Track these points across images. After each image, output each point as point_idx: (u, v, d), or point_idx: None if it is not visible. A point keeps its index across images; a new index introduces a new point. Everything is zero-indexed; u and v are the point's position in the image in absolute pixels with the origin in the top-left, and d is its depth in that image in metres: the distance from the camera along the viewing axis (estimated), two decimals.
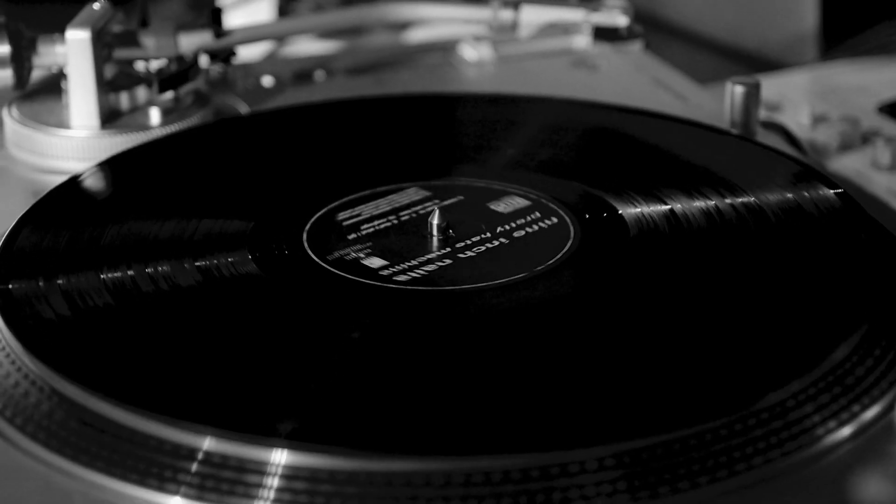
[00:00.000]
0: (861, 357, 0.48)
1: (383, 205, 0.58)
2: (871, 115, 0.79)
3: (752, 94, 0.66)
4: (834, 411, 0.46)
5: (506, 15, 0.76)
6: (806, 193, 0.57)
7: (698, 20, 0.96)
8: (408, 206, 0.58)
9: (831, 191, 0.57)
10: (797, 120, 0.78)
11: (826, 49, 0.90)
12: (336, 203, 0.58)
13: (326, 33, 0.87)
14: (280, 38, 0.80)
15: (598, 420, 0.44)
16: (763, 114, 0.76)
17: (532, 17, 0.76)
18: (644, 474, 0.42)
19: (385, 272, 0.53)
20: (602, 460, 0.42)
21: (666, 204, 0.57)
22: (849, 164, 0.73)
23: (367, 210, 0.58)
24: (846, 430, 0.45)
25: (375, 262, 0.54)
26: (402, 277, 0.52)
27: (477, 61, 0.79)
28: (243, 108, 0.72)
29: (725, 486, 0.43)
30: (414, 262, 0.54)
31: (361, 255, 0.54)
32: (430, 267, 0.53)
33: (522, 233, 0.56)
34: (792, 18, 0.90)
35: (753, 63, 0.90)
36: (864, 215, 0.55)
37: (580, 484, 0.42)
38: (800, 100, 0.80)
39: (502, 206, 0.58)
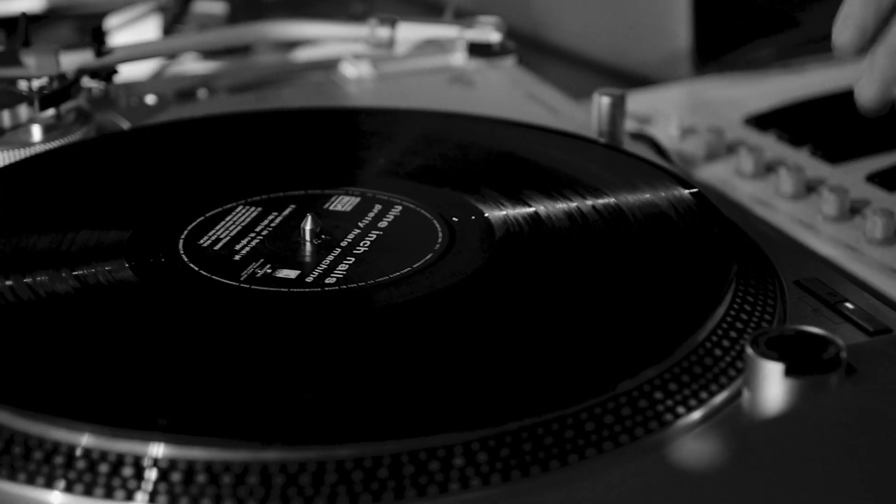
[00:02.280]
0: (711, 346, 0.51)
1: (231, 226, 0.59)
2: (738, 126, 0.82)
3: (618, 104, 0.69)
4: (685, 397, 0.48)
5: (383, 32, 0.78)
6: (663, 194, 0.59)
7: (579, 41, 0.99)
8: (261, 221, 0.60)
9: (686, 191, 0.59)
10: (667, 132, 0.81)
11: (700, 66, 0.93)
12: (196, 221, 0.60)
13: (212, 53, 0.89)
14: (161, 56, 0.82)
15: (462, 406, 0.46)
16: (634, 126, 0.79)
17: (408, 33, 0.78)
18: (507, 458, 0.44)
19: (309, 278, 0.55)
20: (468, 444, 0.45)
21: (530, 207, 0.59)
22: (714, 173, 0.76)
23: (222, 232, 0.59)
24: (696, 415, 0.48)
25: (290, 273, 0.55)
26: (329, 280, 0.54)
27: (357, 78, 0.81)
28: (125, 125, 0.73)
29: (578, 470, 0.45)
30: (324, 266, 0.55)
31: (268, 270, 0.55)
32: (343, 267, 0.55)
33: (382, 230, 0.58)
34: (666, 37, 0.93)
35: (632, 80, 0.93)
36: (717, 213, 0.58)
37: (447, 468, 0.44)
38: (670, 113, 0.83)
39: (340, 206, 0.60)
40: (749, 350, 0.48)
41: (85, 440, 0.45)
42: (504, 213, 0.59)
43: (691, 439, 0.30)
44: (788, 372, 0.47)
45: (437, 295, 0.53)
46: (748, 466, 0.30)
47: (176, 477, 0.44)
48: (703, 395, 0.49)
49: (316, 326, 0.51)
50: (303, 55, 0.88)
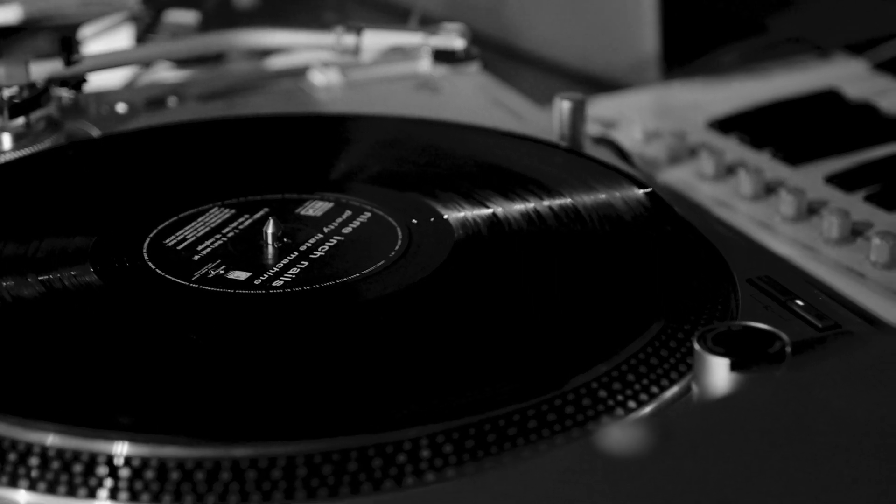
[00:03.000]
0: (663, 342, 0.52)
1: (200, 227, 0.61)
2: (702, 130, 0.83)
3: (578, 108, 0.70)
4: (635, 392, 0.50)
5: (349, 40, 0.79)
6: (618, 194, 0.61)
7: (550, 47, 1.00)
8: (234, 223, 0.61)
9: (640, 190, 0.61)
10: (631, 136, 0.82)
11: (667, 71, 0.95)
12: (168, 222, 0.61)
13: (185, 62, 0.90)
14: (131, 65, 0.83)
15: (414, 401, 0.47)
16: (599, 130, 0.80)
17: (374, 41, 0.79)
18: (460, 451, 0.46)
19: (258, 280, 0.56)
20: (417, 441, 0.46)
21: (488, 208, 0.60)
22: (677, 176, 0.78)
23: (189, 233, 0.60)
24: (647, 409, 0.49)
25: (241, 274, 0.56)
26: (277, 283, 0.55)
27: (326, 86, 0.82)
28: (96, 133, 0.74)
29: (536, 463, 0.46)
30: (276, 269, 0.56)
31: (221, 271, 0.56)
32: (295, 270, 0.56)
33: (347, 235, 0.59)
34: (634, 43, 0.94)
35: (602, 86, 0.94)
36: (671, 211, 0.59)
37: (400, 462, 0.45)
38: (635, 117, 0.84)
39: (312, 211, 0.62)
40: (696, 346, 0.49)
41: (50, 440, 0.46)
42: (462, 214, 0.60)
43: (619, 427, 0.31)
44: (734, 366, 0.48)
45: (383, 299, 0.54)
46: (678, 453, 0.31)
47: (126, 473, 0.45)
48: (654, 389, 0.50)
49: (245, 328, 0.53)
50: (273, 64, 0.89)
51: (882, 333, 0.53)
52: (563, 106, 0.70)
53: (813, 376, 0.37)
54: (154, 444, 0.45)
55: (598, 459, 0.30)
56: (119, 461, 0.45)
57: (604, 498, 0.30)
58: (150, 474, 0.45)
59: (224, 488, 0.44)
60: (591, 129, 0.79)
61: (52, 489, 0.46)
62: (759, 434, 0.34)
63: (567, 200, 0.61)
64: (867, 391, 0.36)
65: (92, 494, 0.45)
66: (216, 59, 0.93)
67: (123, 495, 0.45)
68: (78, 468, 0.46)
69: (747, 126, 0.82)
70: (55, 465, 0.46)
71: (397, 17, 1.06)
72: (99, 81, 0.80)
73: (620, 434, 0.31)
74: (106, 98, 0.79)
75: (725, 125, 0.83)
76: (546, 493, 0.30)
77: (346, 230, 0.60)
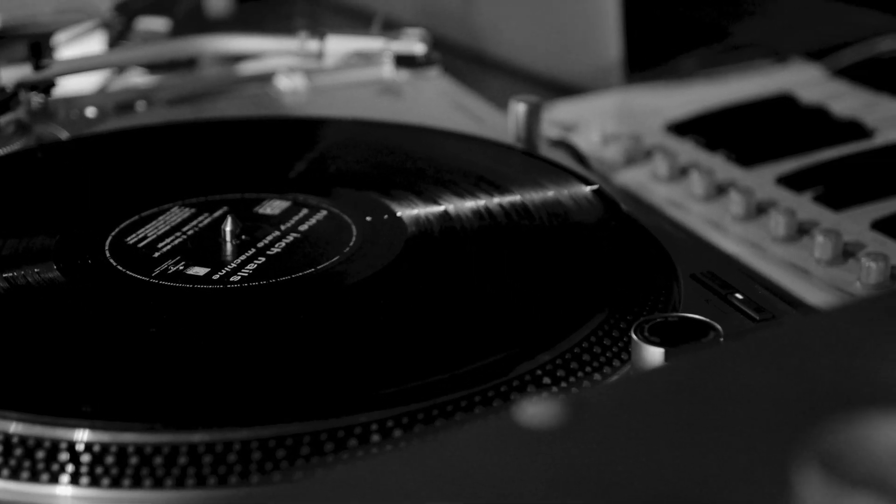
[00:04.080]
0: (606, 332, 0.54)
1: (161, 225, 0.62)
2: (658, 133, 0.85)
3: (534, 111, 0.72)
4: (578, 380, 0.52)
5: (312, 45, 0.81)
6: (566, 191, 0.63)
7: (517, 54, 1.02)
8: (193, 222, 0.63)
9: (587, 187, 0.63)
10: (589, 138, 0.84)
11: (630, 76, 0.97)
12: (129, 221, 0.63)
13: (156, 68, 0.92)
14: (100, 70, 0.85)
15: (364, 388, 0.49)
16: (557, 133, 0.83)
17: (337, 46, 0.81)
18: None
19: (216, 276, 0.57)
20: (367, 426, 0.48)
21: (441, 206, 0.62)
22: (632, 177, 0.80)
23: (150, 231, 0.62)
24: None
25: (199, 270, 0.58)
26: (235, 278, 0.57)
27: (291, 91, 0.84)
28: (64, 136, 0.76)
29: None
30: (234, 265, 0.58)
31: (181, 267, 0.58)
32: (252, 266, 0.58)
33: (303, 233, 0.61)
34: (598, 49, 0.96)
35: (568, 91, 0.96)
36: (616, 207, 0.61)
37: (351, 447, 0.47)
38: (594, 121, 0.86)
39: (270, 210, 0.63)
40: (633, 335, 0.51)
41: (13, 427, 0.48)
42: (416, 211, 0.62)
43: (534, 402, 0.33)
44: (669, 356, 0.50)
45: (337, 291, 0.56)
46: (590, 427, 0.33)
47: (87, 458, 0.47)
48: (597, 377, 0.52)
49: (204, 321, 0.55)
50: (242, 70, 0.91)
51: (804, 316, 0.55)
52: (519, 109, 0.72)
53: (732, 357, 0.39)
54: (114, 430, 0.47)
55: (515, 432, 0.32)
56: (80, 447, 0.47)
57: (518, 470, 0.32)
58: (109, 459, 0.47)
59: (181, 472, 0.46)
60: (551, 132, 0.82)
61: (14, 475, 0.47)
62: (665, 407, 0.36)
63: (517, 198, 0.63)
64: (779, 369, 0.38)
65: (54, 480, 0.47)
66: (187, 65, 0.95)
67: (84, 480, 0.47)
68: (40, 455, 0.47)
69: (703, 129, 0.84)
70: (18, 451, 0.48)
71: (368, 24, 1.08)
72: (70, 86, 0.82)
73: (535, 408, 0.33)
74: (76, 103, 0.81)
75: (682, 128, 0.85)
76: (467, 461, 0.32)
77: (303, 227, 0.62)
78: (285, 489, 0.36)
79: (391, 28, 0.86)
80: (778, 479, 0.32)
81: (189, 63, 0.94)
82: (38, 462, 0.47)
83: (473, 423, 0.33)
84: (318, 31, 0.81)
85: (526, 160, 0.68)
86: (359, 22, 1.11)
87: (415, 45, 0.82)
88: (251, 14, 1.15)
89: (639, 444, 0.33)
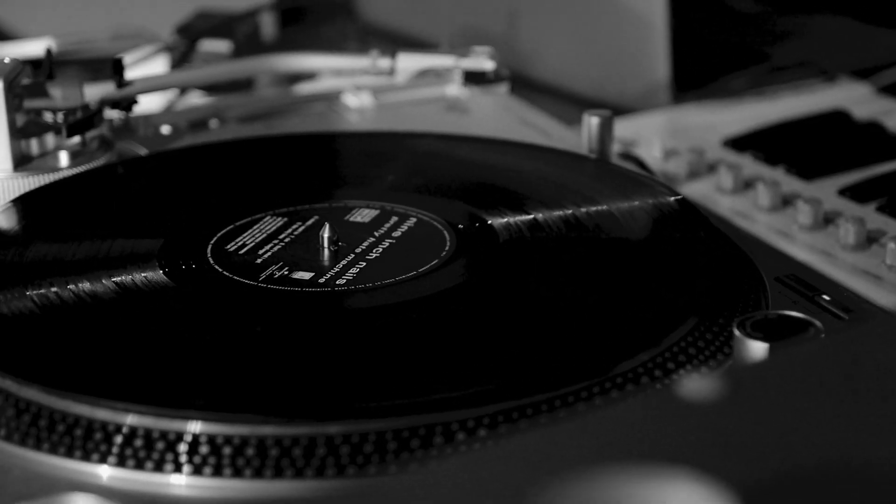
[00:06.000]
0: (700, 334, 0.55)
1: (257, 234, 0.64)
2: (717, 148, 0.87)
3: (606, 124, 0.74)
4: (674, 379, 0.53)
5: (384, 63, 0.83)
6: (651, 201, 0.64)
7: (563, 77, 1.04)
8: (282, 230, 0.65)
9: (672, 198, 0.65)
10: (650, 154, 0.86)
11: (677, 97, 0.99)
12: (225, 229, 0.65)
13: (216, 89, 0.94)
14: (176, 87, 0.87)
15: (486, 382, 0.51)
16: (620, 148, 0.84)
17: (408, 63, 0.83)
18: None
19: (321, 279, 0.59)
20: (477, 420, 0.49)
21: (530, 214, 0.64)
22: (697, 190, 0.82)
23: (248, 239, 0.64)
24: None
25: (304, 274, 0.60)
26: (341, 281, 0.59)
27: (359, 108, 0.86)
28: (143, 152, 0.78)
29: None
30: (336, 270, 0.60)
31: (285, 272, 0.60)
32: (354, 270, 0.60)
33: (395, 239, 0.63)
34: (646, 70, 0.99)
35: (614, 112, 0.98)
36: (702, 217, 0.63)
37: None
38: (653, 137, 0.88)
39: (360, 218, 0.65)
40: (736, 332, 0.52)
41: (130, 419, 0.50)
42: (506, 220, 0.64)
43: (695, 377, 0.35)
44: (773, 350, 0.51)
45: (437, 295, 0.58)
46: (748, 402, 0.35)
47: (204, 450, 0.48)
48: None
49: (322, 321, 0.56)
50: (302, 89, 0.92)
51: None
52: (592, 121, 0.74)
53: (859, 341, 0.40)
54: (251, 423, 0.49)
55: (674, 406, 0.34)
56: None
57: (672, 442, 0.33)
58: (250, 451, 0.48)
59: (321, 462, 0.48)
60: (613, 147, 0.83)
61: (140, 465, 0.49)
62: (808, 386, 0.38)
63: (603, 207, 0.64)
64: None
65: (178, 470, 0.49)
66: (245, 85, 0.97)
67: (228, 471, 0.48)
68: (160, 446, 0.49)
69: (761, 144, 0.86)
70: (138, 442, 0.49)
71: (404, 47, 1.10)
72: (140, 106, 0.84)
73: (696, 383, 0.34)
74: (151, 120, 0.83)
75: (740, 143, 0.87)
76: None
77: (396, 234, 0.63)
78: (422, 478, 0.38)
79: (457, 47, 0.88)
80: None
81: (245, 84, 0.96)
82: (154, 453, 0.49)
83: (636, 395, 0.34)
84: (389, 49, 0.83)
85: (608, 171, 0.70)
86: (405, 49, 1.13)
87: (485, 62, 0.84)
88: (297, 37, 1.17)
89: (794, 414, 0.35)
